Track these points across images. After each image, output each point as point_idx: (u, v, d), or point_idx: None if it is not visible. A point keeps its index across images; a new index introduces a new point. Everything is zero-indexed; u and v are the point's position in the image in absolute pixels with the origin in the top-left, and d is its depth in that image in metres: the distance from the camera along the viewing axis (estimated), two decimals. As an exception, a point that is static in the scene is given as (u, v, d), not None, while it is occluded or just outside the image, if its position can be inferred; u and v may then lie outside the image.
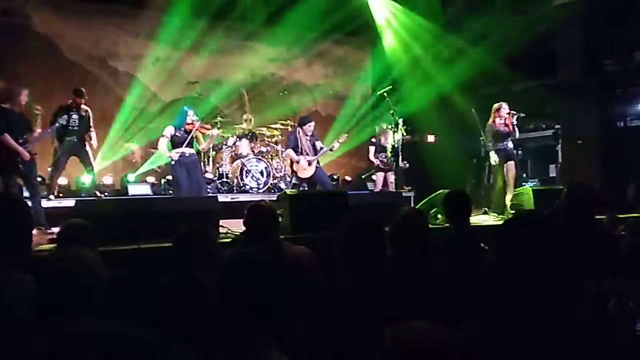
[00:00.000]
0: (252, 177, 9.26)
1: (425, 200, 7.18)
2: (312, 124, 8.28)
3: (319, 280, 3.33)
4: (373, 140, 9.72)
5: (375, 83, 12.44)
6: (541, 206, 6.36)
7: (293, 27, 11.17)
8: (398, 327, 1.17)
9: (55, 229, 3.46)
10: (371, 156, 9.60)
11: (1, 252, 2.29)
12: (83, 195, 8.09)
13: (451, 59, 11.07)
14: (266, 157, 9.65)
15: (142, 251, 4.38)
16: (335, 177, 11.29)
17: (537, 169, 10.87)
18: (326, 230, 3.90)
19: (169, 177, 8.26)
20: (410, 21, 11.66)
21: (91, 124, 7.84)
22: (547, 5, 9.89)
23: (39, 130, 6.78)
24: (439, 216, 6.29)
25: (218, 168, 9.56)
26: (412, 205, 8.55)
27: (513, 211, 7.05)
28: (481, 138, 8.05)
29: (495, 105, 7.88)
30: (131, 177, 9.44)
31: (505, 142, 7.80)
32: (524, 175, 10.57)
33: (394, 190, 8.84)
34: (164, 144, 7.23)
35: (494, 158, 7.75)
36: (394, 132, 8.81)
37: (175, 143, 7.19)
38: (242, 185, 9.18)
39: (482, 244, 3.70)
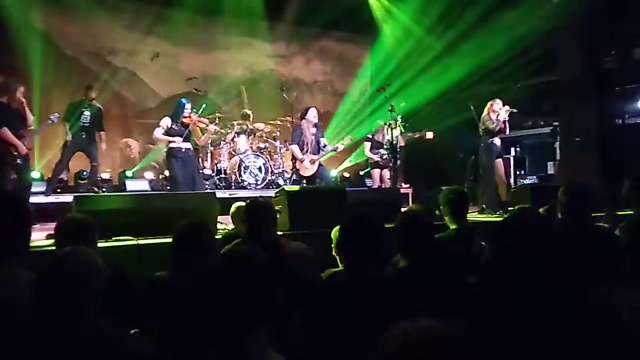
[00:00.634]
0: (250, 173, 9.26)
1: (424, 197, 7.19)
2: (314, 110, 8.06)
3: (316, 276, 3.33)
4: (369, 136, 9.71)
5: (373, 79, 12.44)
6: (539, 203, 6.36)
7: (292, 23, 11.17)
8: (402, 326, 1.17)
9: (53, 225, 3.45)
10: (367, 152, 9.59)
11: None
12: (81, 190, 8.10)
13: (449, 55, 11.06)
14: (264, 153, 9.65)
15: (141, 247, 4.38)
16: (333, 173, 11.31)
17: (535, 166, 10.88)
18: (324, 226, 3.90)
19: (167, 173, 8.25)
20: (407, 16, 11.65)
21: (103, 123, 7.89)
22: (547, 2, 9.88)
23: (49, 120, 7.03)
24: (437, 213, 6.29)
25: (216, 164, 9.55)
26: (411, 201, 8.57)
27: (511, 208, 7.06)
28: (479, 135, 8.06)
29: (490, 102, 7.91)
30: (129, 172, 9.43)
31: (494, 139, 7.82)
32: (522, 172, 10.59)
33: (391, 186, 8.84)
34: (160, 133, 7.15)
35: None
36: (392, 128, 8.80)
37: (171, 135, 7.15)
38: (240, 181, 9.19)
39: (482, 242, 3.71)
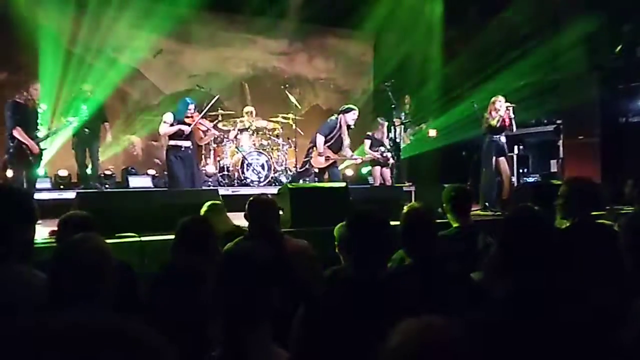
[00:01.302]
0: (253, 170, 9.26)
1: (426, 195, 7.18)
2: (357, 112, 7.98)
3: (319, 274, 3.34)
4: (368, 134, 9.70)
5: (377, 76, 12.42)
6: (541, 202, 6.36)
7: (295, 20, 11.16)
8: (409, 323, 1.18)
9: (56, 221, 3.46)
10: (366, 149, 9.58)
11: (3, 244, 2.30)
12: (83, 187, 8.12)
13: (452, 53, 11.05)
14: (267, 150, 9.65)
15: (143, 244, 4.39)
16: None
17: (538, 164, 10.86)
18: (327, 223, 3.91)
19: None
20: (410, 11, 11.64)
21: (105, 115, 7.93)
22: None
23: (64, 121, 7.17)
24: (440, 210, 6.29)
25: (219, 161, 9.56)
26: (413, 199, 8.56)
27: (512, 206, 7.05)
28: (484, 127, 8.05)
29: (492, 99, 7.88)
30: (132, 169, 9.45)
31: (498, 136, 7.81)
32: (525, 170, 10.57)
33: (392, 184, 8.83)
34: (166, 128, 7.19)
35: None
36: (394, 126, 8.79)
37: (173, 133, 7.17)
38: (243, 178, 9.19)
39: (490, 238, 3.70)
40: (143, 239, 4.46)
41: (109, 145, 8.97)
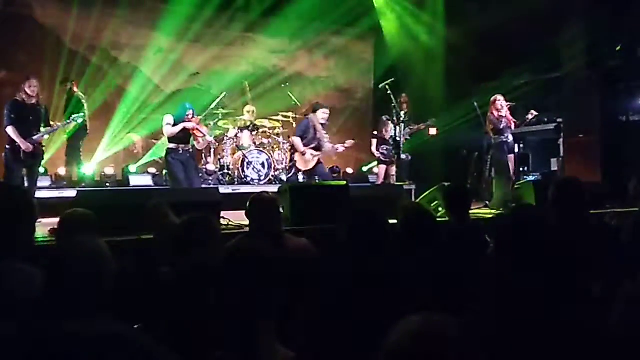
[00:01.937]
0: (253, 168, 9.26)
1: (427, 193, 7.18)
2: (327, 111, 8.07)
3: (319, 272, 3.34)
4: (375, 132, 9.72)
5: (378, 75, 12.41)
6: (542, 200, 6.36)
7: (295, 18, 11.15)
8: (411, 320, 1.18)
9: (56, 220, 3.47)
10: (373, 149, 9.60)
11: (2, 242, 2.30)
12: (83, 185, 8.13)
13: (452, 51, 11.04)
14: (267, 149, 9.65)
15: (144, 242, 4.39)
16: (336, 169, 11.31)
17: (539, 162, 10.85)
18: (327, 222, 3.92)
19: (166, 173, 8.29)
20: (410, 10, 11.64)
21: (86, 111, 7.90)
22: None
23: (58, 124, 7.08)
24: (440, 209, 6.30)
25: (219, 160, 9.56)
26: (414, 198, 8.57)
27: (514, 204, 7.05)
28: (484, 131, 8.05)
29: (492, 98, 7.87)
30: (132, 168, 9.45)
31: (506, 135, 7.79)
32: (526, 168, 10.58)
33: (396, 182, 8.84)
34: (170, 128, 7.17)
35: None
36: (396, 124, 8.80)
37: (173, 136, 7.17)
38: (243, 177, 9.19)
39: (487, 238, 3.71)
40: (143, 237, 4.46)
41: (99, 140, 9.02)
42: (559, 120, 10.25)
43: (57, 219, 3.44)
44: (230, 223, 5.37)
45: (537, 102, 9.96)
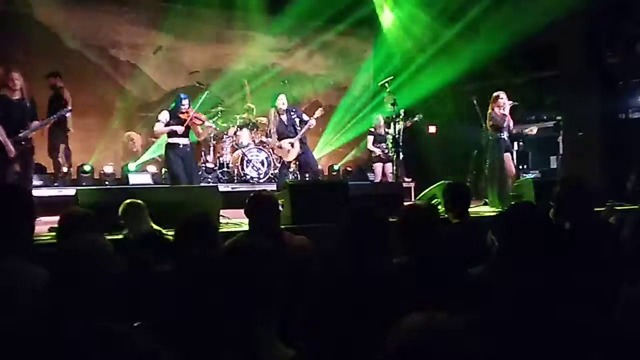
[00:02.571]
0: (252, 167, 9.26)
1: (426, 191, 7.19)
2: (282, 97, 8.18)
3: (319, 270, 3.34)
4: (372, 130, 9.72)
5: (377, 73, 12.41)
6: (542, 198, 6.37)
7: (294, 16, 11.14)
8: (411, 319, 1.18)
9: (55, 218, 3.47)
10: (369, 146, 9.59)
11: (2, 240, 2.30)
12: (84, 184, 8.14)
13: (451, 50, 11.03)
14: (267, 147, 9.64)
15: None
16: (335, 167, 11.32)
17: (538, 160, 10.85)
18: (327, 220, 3.91)
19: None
20: (409, 8, 11.64)
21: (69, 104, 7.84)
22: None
23: (44, 120, 6.79)
24: (439, 207, 6.30)
25: (219, 158, 9.55)
26: (413, 196, 8.58)
27: (513, 202, 7.04)
28: (482, 129, 8.04)
29: (494, 95, 7.83)
30: (132, 166, 9.45)
31: (503, 133, 7.78)
32: (525, 166, 10.58)
33: (394, 180, 8.84)
34: (160, 127, 7.16)
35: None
36: (395, 122, 8.79)
37: (172, 131, 7.15)
38: (242, 175, 9.19)
39: (492, 236, 3.69)
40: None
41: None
42: (558, 118, 10.26)
43: (56, 217, 3.43)
44: (230, 221, 5.37)
45: (536, 100, 9.98)
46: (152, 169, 9.56)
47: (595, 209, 3.64)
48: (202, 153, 9.42)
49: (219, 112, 9.59)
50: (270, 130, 8.37)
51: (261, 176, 9.27)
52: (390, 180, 9.06)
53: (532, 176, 10.13)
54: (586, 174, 7.62)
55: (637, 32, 9.31)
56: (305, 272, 3.11)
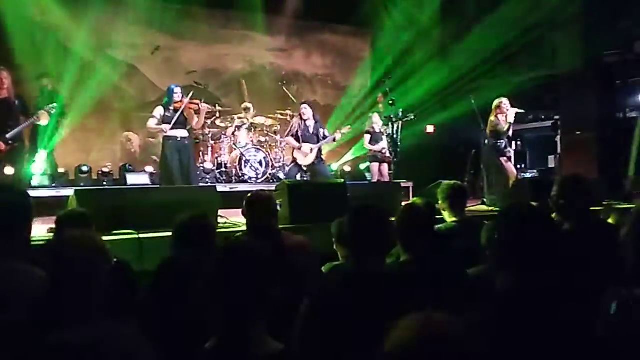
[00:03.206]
0: (251, 167, 9.24)
1: (424, 191, 7.18)
2: (305, 106, 8.47)
3: (317, 270, 3.34)
4: (368, 129, 9.71)
5: (375, 73, 12.42)
6: (539, 197, 6.38)
7: (292, 16, 11.14)
8: (410, 319, 1.18)
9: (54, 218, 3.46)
10: (366, 144, 9.58)
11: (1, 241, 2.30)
12: (82, 184, 8.11)
13: (449, 49, 11.05)
14: (265, 147, 9.63)
15: (141, 241, 4.38)
16: (334, 167, 11.32)
17: (536, 159, 10.88)
18: (325, 220, 3.91)
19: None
20: (407, 8, 11.65)
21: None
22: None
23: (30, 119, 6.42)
24: (437, 206, 6.30)
25: (217, 158, 9.54)
26: (411, 196, 8.58)
27: (511, 202, 7.03)
28: (481, 129, 8.04)
29: (496, 102, 7.78)
30: (130, 166, 9.43)
31: (502, 140, 7.77)
32: (523, 166, 10.60)
33: (391, 180, 8.84)
34: (152, 123, 7.14)
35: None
36: (392, 122, 8.79)
37: (165, 123, 7.11)
38: (241, 175, 9.17)
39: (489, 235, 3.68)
40: (141, 236, 4.46)
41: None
42: (556, 117, 10.27)
43: (54, 218, 3.43)
44: (228, 221, 5.36)
45: (534, 99, 9.99)
46: (150, 169, 9.54)
47: (593, 208, 3.64)
48: (201, 153, 9.41)
49: (217, 112, 9.58)
50: (292, 130, 8.57)
51: (259, 176, 9.25)
52: (387, 180, 9.05)
53: (530, 175, 10.16)
54: (584, 173, 7.62)
55: (635, 32, 9.33)
56: (303, 271, 3.12)
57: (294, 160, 8.55)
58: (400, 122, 8.85)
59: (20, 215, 2.42)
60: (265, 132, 10.01)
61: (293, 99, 10.55)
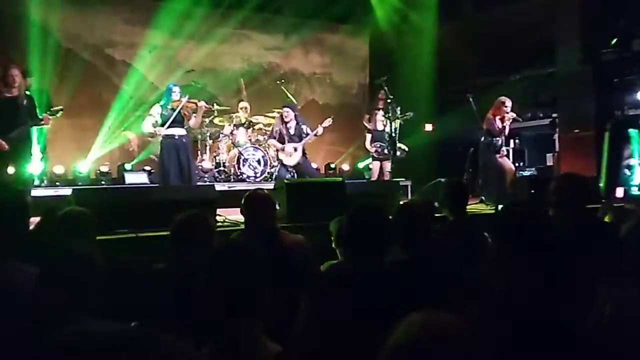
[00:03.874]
0: (249, 165, 9.24)
1: (423, 189, 7.18)
2: (287, 109, 8.55)
3: (315, 268, 3.34)
4: (369, 128, 9.71)
5: (373, 71, 12.41)
6: (537, 195, 6.38)
7: (290, 15, 11.13)
8: (412, 318, 1.18)
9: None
10: (367, 145, 9.59)
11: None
12: (80, 183, 8.10)
13: (447, 47, 11.04)
14: (263, 145, 9.62)
15: (140, 240, 4.38)
16: (332, 165, 11.32)
17: (534, 157, 10.88)
18: (323, 219, 3.91)
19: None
20: (404, 6, 11.65)
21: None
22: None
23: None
24: (436, 204, 6.30)
25: (215, 157, 9.53)
26: (410, 194, 8.57)
27: (509, 200, 7.04)
28: (479, 127, 8.04)
29: (499, 100, 7.76)
30: (128, 165, 9.42)
31: (501, 137, 7.78)
32: (521, 164, 10.59)
33: (391, 179, 8.84)
34: (149, 122, 7.10)
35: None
36: (391, 121, 8.79)
37: (169, 121, 7.05)
38: (239, 174, 9.17)
39: (485, 234, 3.69)
40: (140, 235, 4.45)
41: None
42: (554, 115, 10.27)
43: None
44: (226, 220, 5.36)
45: (531, 97, 9.99)
46: (149, 168, 9.53)
47: (592, 207, 3.63)
48: (199, 152, 9.40)
49: (215, 111, 9.57)
50: (273, 133, 8.69)
51: (258, 175, 9.25)
52: (387, 178, 9.06)
53: (528, 173, 10.16)
54: (582, 171, 7.62)
55: (633, 29, 9.32)
56: (301, 270, 3.11)
57: (280, 161, 8.65)
58: (399, 121, 8.84)
59: (17, 214, 2.41)
60: (264, 131, 10.01)
61: (291, 97, 10.54)
